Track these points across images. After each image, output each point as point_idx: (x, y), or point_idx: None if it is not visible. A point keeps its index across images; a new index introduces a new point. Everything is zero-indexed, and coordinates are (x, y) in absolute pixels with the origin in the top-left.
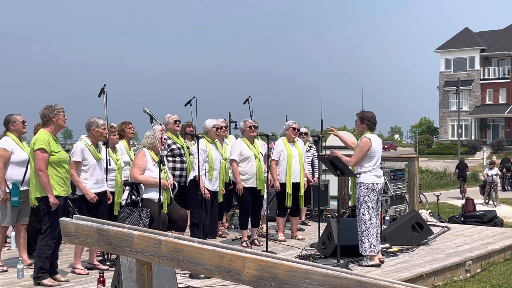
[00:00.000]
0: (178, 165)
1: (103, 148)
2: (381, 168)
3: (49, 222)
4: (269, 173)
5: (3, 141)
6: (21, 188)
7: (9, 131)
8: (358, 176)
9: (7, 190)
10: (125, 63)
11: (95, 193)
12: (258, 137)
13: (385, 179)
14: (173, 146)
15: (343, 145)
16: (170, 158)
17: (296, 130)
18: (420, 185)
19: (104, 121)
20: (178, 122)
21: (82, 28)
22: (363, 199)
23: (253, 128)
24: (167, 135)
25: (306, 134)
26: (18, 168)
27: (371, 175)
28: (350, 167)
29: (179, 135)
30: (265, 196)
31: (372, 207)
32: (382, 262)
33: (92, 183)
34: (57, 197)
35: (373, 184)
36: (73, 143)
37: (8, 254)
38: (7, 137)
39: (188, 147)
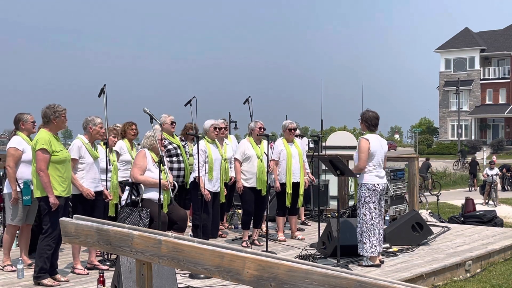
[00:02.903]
0: (175, 165)
1: (99, 147)
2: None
3: (49, 222)
4: (274, 172)
5: (14, 140)
6: (32, 187)
7: (19, 130)
8: (358, 176)
9: (18, 189)
10: (125, 62)
11: None
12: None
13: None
14: (169, 147)
15: (343, 145)
16: (167, 159)
17: (292, 131)
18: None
19: (102, 120)
20: (174, 124)
21: (82, 27)
22: (364, 199)
23: (262, 130)
24: (163, 136)
25: (297, 136)
26: (29, 167)
27: (372, 175)
28: (350, 168)
29: (175, 135)
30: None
31: (374, 208)
32: (382, 262)
33: (88, 182)
34: (57, 197)
35: (373, 184)
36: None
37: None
38: (18, 136)
39: (185, 146)
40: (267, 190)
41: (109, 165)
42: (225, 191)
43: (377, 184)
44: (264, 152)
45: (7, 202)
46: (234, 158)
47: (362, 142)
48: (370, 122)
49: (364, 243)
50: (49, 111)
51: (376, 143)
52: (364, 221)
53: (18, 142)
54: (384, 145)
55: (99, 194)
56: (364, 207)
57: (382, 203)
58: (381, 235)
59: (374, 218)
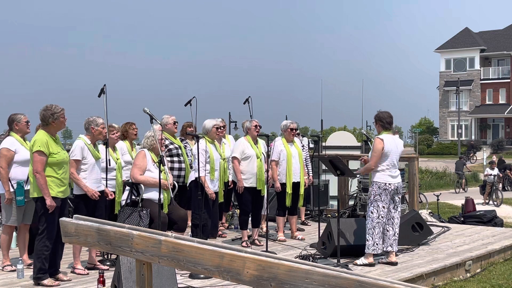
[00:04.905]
0: (176, 165)
1: (101, 147)
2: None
3: (46, 223)
4: (269, 172)
5: (7, 141)
6: (26, 188)
7: (12, 131)
8: (358, 176)
9: (12, 190)
10: (125, 62)
11: None
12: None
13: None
14: (171, 146)
15: (343, 145)
16: (168, 158)
17: (294, 131)
18: (420, 185)
19: (103, 120)
20: (177, 123)
21: (81, 26)
22: (373, 197)
23: (258, 128)
24: (164, 136)
25: (298, 134)
26: (22, 167)
27: (385, 175)
28: (350, 168)
29: (176, 136)
30: (265, 196)
31: (383, 207)
32: (395, 264)
33: (90, 182)
34: (54, 198)
35: (385, 183)
36: (72, 143)
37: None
38: (11, 137)
39: (185, 147)
40: (267, 189)
41: (111, 164)
42: (228, 187)
43: (389, 184)
44: (263, 153)
45: (2, 203)
46: (233, 157)
47: (376, 142)
48: (384, 121)
49: (367, 240)
50: (47, 114)
51: (391, 143)
52: (370, 218)
53: (11, 143)
54: (400, 145)
55: (101, 193)
56: (372, 205)
57: (398, 202)
58: (397, 234)
59: (381, 216)
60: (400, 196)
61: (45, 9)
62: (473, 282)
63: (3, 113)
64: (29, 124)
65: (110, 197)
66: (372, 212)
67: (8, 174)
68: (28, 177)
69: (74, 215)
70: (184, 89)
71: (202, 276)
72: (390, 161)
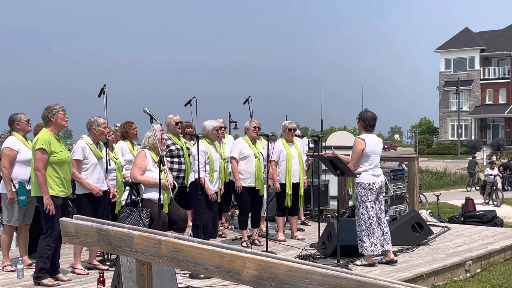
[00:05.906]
0: (176, 166)
1: (104, 147)
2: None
3: (49, 222)
4: (268, 171)
5: (9, 140)
6: (28, 187)
7: (14, 131)
8: (358, 176)
9: (14, 190)
10: (125, 62)
11: None
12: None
13: (384, 179)
14: (172, 147)
15: (343, 145)
16: (168, 159)
17: (292, 131)
18: (420, 185)
19: (105, 120)
20: (179, 124)
21: (81, 26)
22: (360, 198)
23: (257, 129)
24: (167, 136)
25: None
26: (25, 167)
27: (368, 175)
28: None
29: (180, 136)
30: (265, 196)
31: (372, 207)
32: (395, 262)
33: (92, 181)
34: (55, 197)
35: (369, 183)
36: (73, 143)
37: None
38: (13, 137)
39: (188, 148)
40: (267, 189)
41: (111, 164)
42: (222, 190)
43: (373, 183)
44: (261, 152)
45: (4, 202)
46: (231, 157)
47: (357, 143)
48: (367, 122)
49: (364, 242)
50: (46, 112)
51: (372, 143)
52: (362, 220)
53: (13, 142)
54: (380, 145)
55: (103, 193)
56: (361, 206)
57: (382, 201)
58: (387, 233)
59: (372, 217)
60: (383, 195)
61: (46, 10)
62: (473, 282)
63: (3, 113)
64: (30, 122)
65: (114, 198)
66: (362, 214)
67: (10, 173)
68: (30, 177)
69: (74, 215)
70: (184, 89)
71: (202, 276)
72: (373, 160)
